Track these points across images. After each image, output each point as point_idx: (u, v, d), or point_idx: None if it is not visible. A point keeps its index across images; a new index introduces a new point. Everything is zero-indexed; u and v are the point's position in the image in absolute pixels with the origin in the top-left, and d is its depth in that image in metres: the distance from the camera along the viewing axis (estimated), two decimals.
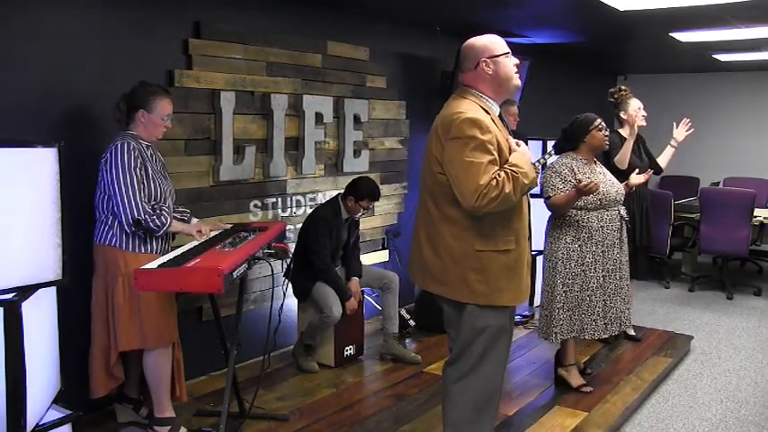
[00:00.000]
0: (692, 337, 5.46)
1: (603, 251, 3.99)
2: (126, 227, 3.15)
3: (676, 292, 7.23)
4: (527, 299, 2.92)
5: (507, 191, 2.54)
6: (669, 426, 3.98)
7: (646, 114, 4.87)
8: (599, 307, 4.00)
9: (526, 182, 2.61)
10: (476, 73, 2.74)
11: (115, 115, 3.31)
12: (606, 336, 4.11)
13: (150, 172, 3.24)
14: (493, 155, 2.59)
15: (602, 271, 4.00)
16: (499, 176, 2.56)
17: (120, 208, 3.11)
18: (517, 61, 2.78)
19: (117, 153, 3.13)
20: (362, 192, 4.41)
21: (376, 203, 5.37)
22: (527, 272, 2.84)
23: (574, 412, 3.90)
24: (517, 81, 2.78)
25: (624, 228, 4.14)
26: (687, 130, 5.00)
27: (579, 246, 3.97)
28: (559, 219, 4.02)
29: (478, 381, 2.81)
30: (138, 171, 3.15)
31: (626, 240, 4.18)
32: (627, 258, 4.18)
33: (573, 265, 3.97)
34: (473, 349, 2.78)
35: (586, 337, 4.05)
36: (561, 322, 4.01)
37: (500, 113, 2.84)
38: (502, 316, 2.79)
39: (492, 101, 2.77)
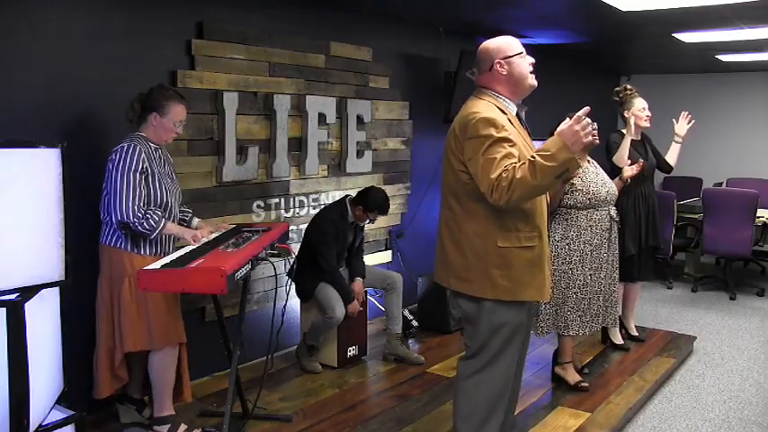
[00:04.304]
0: (695, 338, 5.45)
1: (591, 250, 4.04)
2: (115, 226, 3.16)
3: (679, 292, 7.22)
4: (549, 295, 2.95)
5: (519, 176, 2.51)
6: (672, 426, 3.98)
7: (650, 115, 4.85)
8: (585, 304, 4.05)
9: (551, 164, 2.49)
10: (491, 74, 2.79)
11: (128, 115, 3.31)
12: (587, 332, 4.13)
13: (156, 175, 3.24)
14: (508, 150, 2.61)
15: (589, 270, 4.04)
16: (510, 167, 2.55)
17: (112, 208, 3.11)
18: (532, 60, 2.82)
19: (122, 154, 3.13)
20: (372, 205, 4.40)
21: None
22: (548, 267, 2.90)
23: (577, 413, 3.90)
24: (533, 80, 2.81)
25: (614, 228, 4.18)
26: (688, 123, 5.00)
27: (567, 244, 4.02)
28: (549, 217, 4.02)
29: (492, 377, 2.86)
30: (138, 175, 3.14)
31: (615, 240, 4.22)
32: (616, 258, 4.24)
33: (560, 262, 4.02)
34: (491, 345, 2.82)
35: (571, 333, 4.09)
36: (547, 317, 4.10)
37: (518, 113, 2.87)
38: (520, 312, 2.84)
39: (509, 101, 2.82)
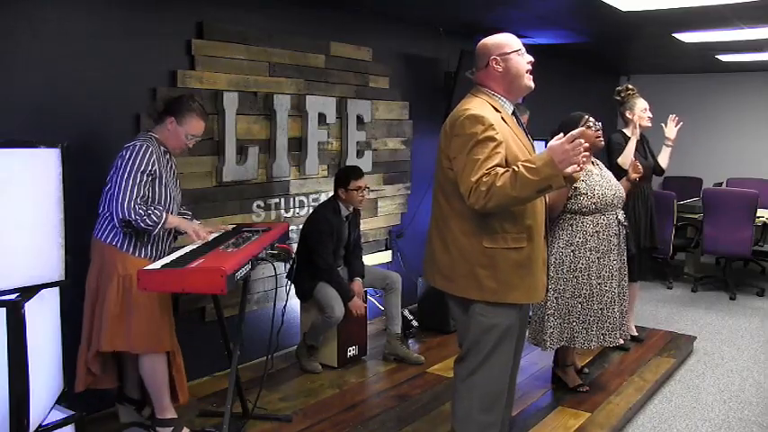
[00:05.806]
0: (694, 338, 5.45)
1: (599, 257, 3.84)
2: (116, 223, 3.12)
3: (679, 292, 7.22)
4: (542, 297, 2.88)
5: (499, 184, 2.45)
6: (672, 426, 3.98)
7: (651, 116, 4.86)
8: (592, 316, 3.85)
9: (533, 177, 2.42)
10: (487, 71, 2.75)
11: (149, 109, 3.32)
12: (593, 346, 3.93)
13: (164, 179, 3.22)
14: (493, 150, 2.54)
15: (597, 278, 3.85)
16: (492, 171, 2.49)
17: (114, 204, 3.07)
18: (531, 59, 2.75)
19: (133, 152, 3.10)
20: (341, 177, 4.41)
21: (380, 204, 5.38)
22: (542, 269, 2.82)
23: (577, 413, 3.90)
24: (529, 81, 2.75)
25: (622, 233, 4.01)
26: (676, 125, 5.00)
27: (572, 251, 3.84)
28: (552, 222, 3.86)
29: (485, 379, 2.80)
30: (145, 176, 3.11)
31: (624, 246, 4.04)
32: (624, 265, 4.05)
33: (565, 270, 3.85)
34: (481, 347, 2.76)
35: (576, 346, 3.92)
36: (551, 330, 3.88)
37: (514, 111, 2.81)
38: (511, 314, 2.76)
39: (504, 99, 2.77)
